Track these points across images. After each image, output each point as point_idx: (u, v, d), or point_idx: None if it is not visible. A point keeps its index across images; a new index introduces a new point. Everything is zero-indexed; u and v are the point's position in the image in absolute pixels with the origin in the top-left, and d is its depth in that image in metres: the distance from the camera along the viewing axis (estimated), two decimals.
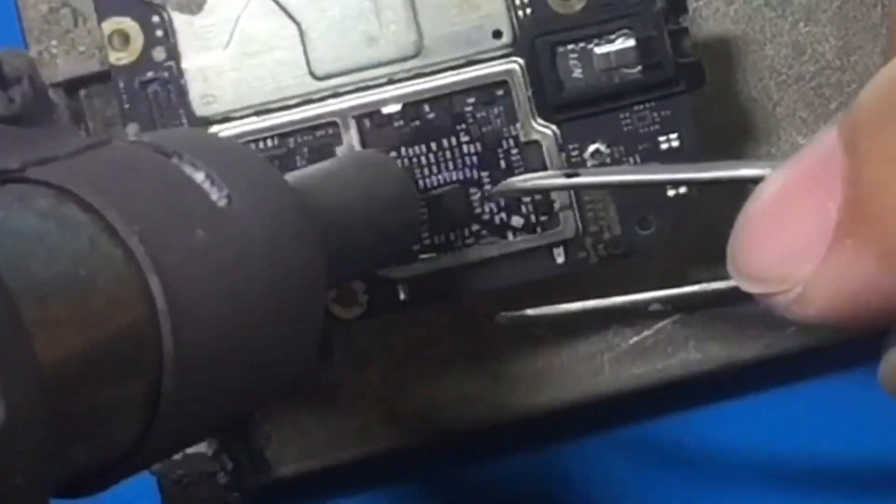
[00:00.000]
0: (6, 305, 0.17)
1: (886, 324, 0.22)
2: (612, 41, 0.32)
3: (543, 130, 0.32)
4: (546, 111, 0.32)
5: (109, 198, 0.20)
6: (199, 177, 0.22)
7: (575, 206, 0.32)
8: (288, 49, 0.32)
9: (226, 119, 0.32)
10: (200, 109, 0.32)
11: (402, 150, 0.32)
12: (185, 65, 0.32)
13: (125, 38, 0.32)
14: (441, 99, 0.32)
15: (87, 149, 0.22)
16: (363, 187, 0.28)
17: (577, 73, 0.32)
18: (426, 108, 0.32)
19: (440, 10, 0.32)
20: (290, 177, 0.27)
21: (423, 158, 0.32)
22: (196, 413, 0.21)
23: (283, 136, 0.32)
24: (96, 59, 0.34)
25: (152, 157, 0.22)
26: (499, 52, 0.32)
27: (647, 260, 0.33)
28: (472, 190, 0.32)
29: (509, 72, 0.32)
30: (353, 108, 0.32)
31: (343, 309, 0.32)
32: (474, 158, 0.32)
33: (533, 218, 0.32)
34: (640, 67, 0.32)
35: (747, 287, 0.22)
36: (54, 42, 0.34)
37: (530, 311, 0.28)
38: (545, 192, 0.32)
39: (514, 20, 0.32)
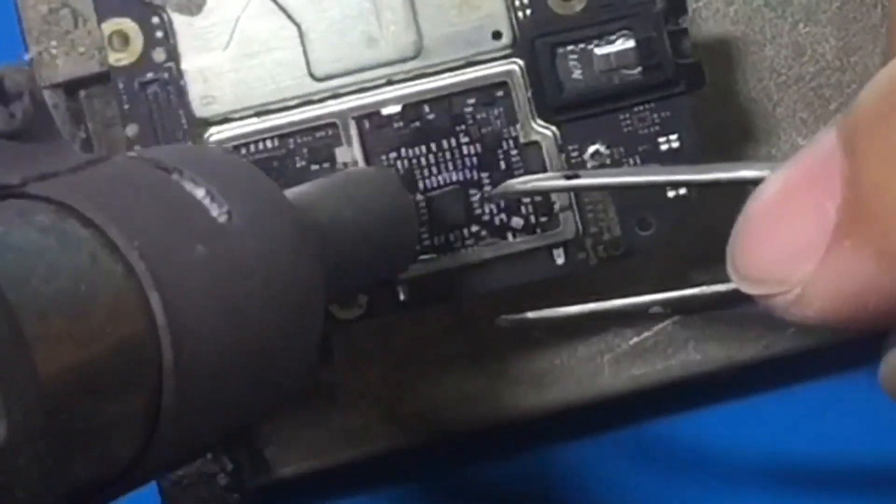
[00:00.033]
0: (8, 320, 0.17)
1: (886, 324, 0.22)
2: (612, 42, 0.32)
3: (543, 131, 0.32)
4: (546, 112, 0.32)
5: (110, 213, 0.20)
6: (200, 193, 0.22)
7: (575, 207, 0.32)
8: (287, 50, 0.32)
9: (225, 120, 0.32)
10: (200, 110, 0.32)
11: (402, 151, 0.32)
12: (184, 66, 0.32)
13: (125, 39, 0.32)
14: (441, 100, 0.32)
15: (87, 164, 0.22)
16: (362, 203, 0.28)
17: (577, 74, 0.32)
18: (426, 109, 0.32)
19: (440, 11, 0.32)
20: (290, 192, 0.27)
21: (422, 159, 0.32)
22: (196, 427, 0.21)
23: (282, 137, 0.32)
24: (96, 60, 0.34)
25: (153, 172, 0.22)
26: (498, 53, 0.32)
27: (646, 261, 0.33)
28: (472, 191, 0.32)
29: (509, 73, 0.32)
30: (352, 110, 0.32)
31: (343, 309, 0.32)
32: (474, 159, 0.32)
33: (533, 219, 0.32)
34: (639, 68, 0.32)
35: (746, 288, 0.22)
36: (54, 43, 0.34)
37: (531, 314, 0.28)
38: (545, 193, 0.32)
39: (514, 21, 0.32)
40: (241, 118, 0.32)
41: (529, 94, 0.32)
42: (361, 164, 0.32)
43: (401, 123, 0.32)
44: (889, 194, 0.20)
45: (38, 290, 0.19)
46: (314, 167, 0.32)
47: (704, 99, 0.33)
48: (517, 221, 0.32)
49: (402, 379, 0.36)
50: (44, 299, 0.19)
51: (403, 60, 0.32)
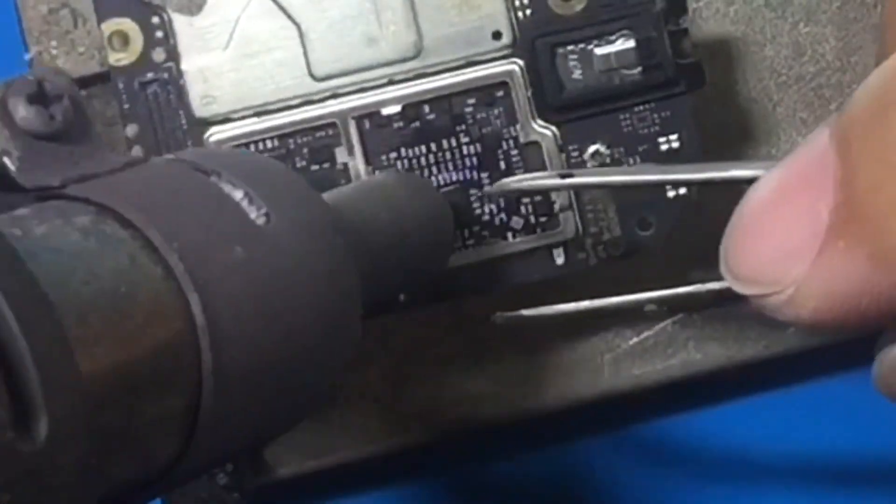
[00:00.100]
0: (49, 321, 0.18)
1: (878, 325, 0.22)
2: (612, 42, 0.32)
3: (543, 131, 0.32)
4: (546, 112, 0.32)
5: (149, 215, 0.20)
6: (238, 195, 0.22)
7: (575, 207, 0.32)
8: (288, 50, 0.32)
9: (225, 120, 0.32)
10: (200, 110, 0.32)
11: (402, 151, 0.32)
12: (184, 66, 0.32)
13: (125, 39, 0.32)
14: (441, 100, 0.32)
15: (126, 166, 0.22)
16: (400, 208, 0.28)
17: (577, 74, 0.32)
18: (426, 109, 0.32)
19: (440, 11, 0.32)
20: (327, 195, 0.27)
21: (422, 159, 0.32)
22: (234, 429, 0.21)
23: (282, 137, 0.32)
24: (96, 60, 0.34)
25: (191, 175, 0.23)
26: (499, 53, 0.32)
27: (646, 261, 0.33)
28: (472, 191, 0.32)
29: (509, 73, 0.32)
30: (352, 109, 0.32)
31: None
32: (474, 159, 0.32)
33: (533, 219, 0.32)
34: (640, 68, 0.32)
35: (739, 288, 0.22)
36: (54, 43, 0.34)
37: (526, 312, 0.28)
38: (540, 192, 0.32)
39: (514, 21, 0.32)
40: (241, 118, 0.32)
41: (529, 94, 0.32)
42: (362, 164, 0.32)
43: (401, 123, 0.32)
44: (882, 195, 0.20)
45: (79, 291, 0.19)
46: (314, 167, 0.32)
47: (704, 99, 0.33)
48: (517, 221, 0.32)
49: (402, 379, 0.36)
50: (84, 300, 0.19)
51: (403, 60, 0.32)
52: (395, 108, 0.32)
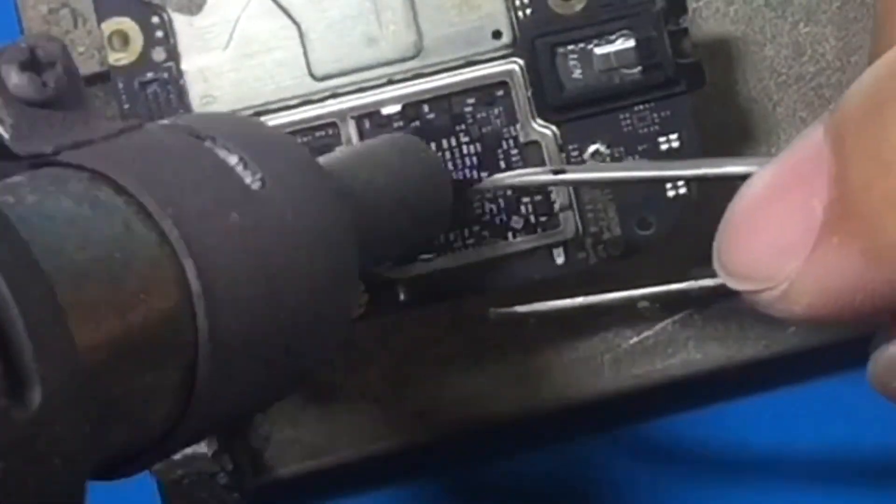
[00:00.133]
0: (43, 289, 0.17)
1: (871, 321, 0.22)
2: (612, 42, 0.32)
3: (543, 131, 0.32)
4: (546, 112, 0.32)
5: (144, 181, 0.20)
6: (233, 160, 0.22)
7: (575, 206, 0.32)
8: (287, 50, 0.32)
9: None
10: (200, 110, 0.32)
11: None
12: (184, 65, 0.32)
13: (125, 39, 0.32)
14: (441, 99, 0.32)
15: (120, 133, 0.22)
16: (396, 170, 0.28)
17: (577, 73, 0.32)
18: (426, 108, 0.32)
19: (440, 11, 0.32)
20: (323, 159, 0.27)
21: None
22: (231, 395, 0.21)
23: None
24: (96, 60, 0.34)
25: (186, 140, 0.22)
26: (499, 53, 0.32)
27: (646, 261, 0.33)
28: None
29: (509, 72, 0.32)
30: (352, 109, 0.32)
31: None
32: (474, 159, 0.32)
33: (533, 218, 0.32)
34: (640, 68, 0.32)
35: (733, 284, 0.22)
36: None
37: (520, 308, 0.28)
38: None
39: (514, 21, 0.32)
40: None
41: (529, 93, 0.32)
42: None
43: (401, 123, 0.32)
44: (876, 192, 0.20)
45: (73, 258, 0.19)
46: None
47: (705, 98, 0.33)
48: (517, 221, 0.32)
49: (402, 379, 0.36)
50: (78, 267, 0.19)
51: (403, 60, 0.32)
52: (394, 108, 0.32)
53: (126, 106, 0.32)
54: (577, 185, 0.32)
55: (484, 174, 0.32)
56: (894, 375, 0.22)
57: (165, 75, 0.32)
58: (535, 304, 0.27)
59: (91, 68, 0.34)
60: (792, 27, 0.36)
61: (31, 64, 0.22)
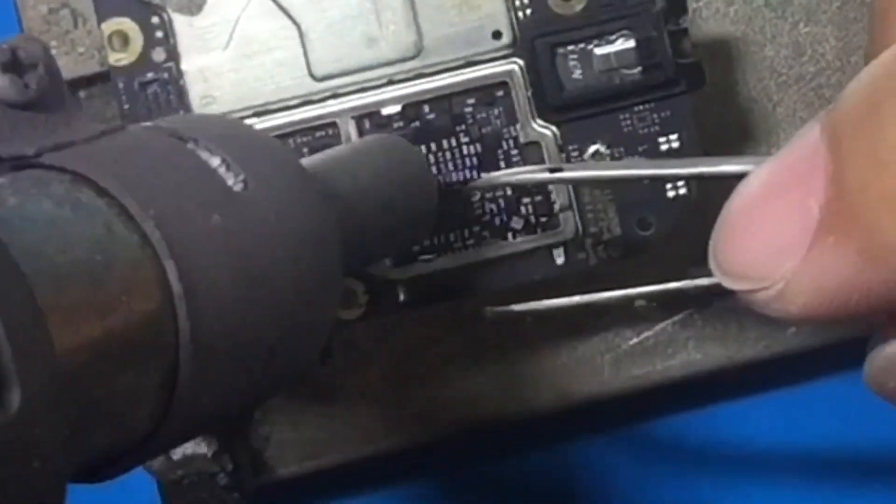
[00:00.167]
0: (23, 291, 0.17)
1: (868, 321, 0.22)
2: (612, 42, 0.32)
3: (543, 131, 0.32)
4: (546, 112, 0.32)
5: (125, 183, 0.20)
6: (215, 162, 0.22)
7: (575, 206, 0.32)
8: (287, 50, 0.32)
9: None
10: (200, 110, 0.32)
11: None
12: (184, 66, 0.32)
13: (125, 39, 0.32)
14: (441, 100, 0.32)
15: (102, 134, 0.22)
16: (380, 171, 0.28)
17: (577, 73, 0.32)
18: (426, 108, 0.32)
19: (440, 11, 0.32)
20: (307, 161, 0.27)
21: None
22: (213, 397, 0.21)
23: (282, 136, 0.32)
24: (96, 60, 0.34)
25: (168, 142, 0.22)
26: (499, 53, 0.32)
27: (646, 261, 0.33)
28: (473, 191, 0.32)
29: (509, 72, 0.32)
30: (352, 109, 0.32)
31: (343, 309, 0.32)
32: (474, 159, 0.32)
33: (533, 219, 0.32)
34: (640, 68, 0.32)
35: (729, 283, 0.22)
36: (54, 43, 0.34)
37: (516, 306, 0.28)
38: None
39: (514, 21, 0.32)
40: (242, 118, 0.32)
41: (529, 93, 0.32)
42: None
43: (401, 123, 0.32)
44: (873, 192, 0.20)
45: (54, 260, 0.19)
46: None
47: (705, 98, 0.33)
48: (517, 221, 0.32)
49: (402, 379, 0.36)
50: (59, 269, 0.19)
51: (403, 60, 0.32)
52: (394, 108, 0.32)
53: (126, 106, 0.32)
54: (573, 184, 0.32)
55: (484, 174, 0.32)
56: (890, 375, 0.22)
57: (165, 75, 0.32)
58: (532, 302, 0.27)
59: (91, 68, 0.34)
60: (792, 27, 0.36)
61: (13, 65, 0.22)
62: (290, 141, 0.32)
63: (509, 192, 0.32)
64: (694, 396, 0.38)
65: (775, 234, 0.21)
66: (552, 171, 0.28)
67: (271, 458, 0.36)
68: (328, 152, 0.29)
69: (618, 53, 0.32)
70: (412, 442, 0.37)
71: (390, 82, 0.32)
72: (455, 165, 0.32)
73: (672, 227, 0.32)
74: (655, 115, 0.32)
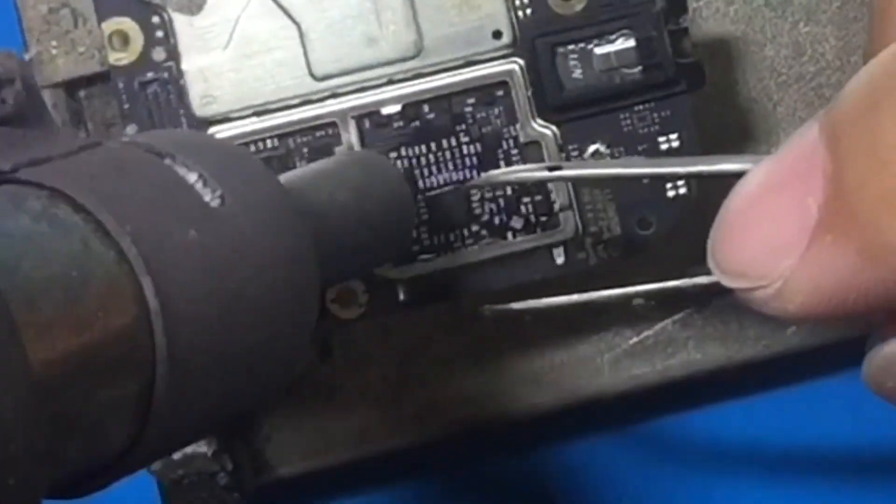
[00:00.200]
0: None
1: (865, 320, 0.22)
2: (612, 41, 0.32)
3: (543, 131, 0.32)
4: (546, 112, 0.32)
5: (102, 199, 0.20)
6: (192, 177, 0.22)
7: (575, 206, 0.32)
8: (287, 50, 0.32)
9: (225, 119, 0.32)
10: (200, 110, 0.32)
11: (402, 150, 0.32)
12: (184, 65, 0.32)
13: (125, 39, 0.32)
14: (441, 99, 0.32)
15: (79, 150, 0.22)
16: (357, 187, 0.28)
17: (578, 73, 0.32)
18: (426, 108, 0.32)
19: (440, 11, 0.32)
20: (284, 177, 0.27)
21: (422, 159, 0.32)
22: (190, 413, 0.21)
23: (282, 136, 0.32)
24: (96, 60, 0.34)
25: (145, 157, 0.22)
26: (499, 53, 0.32)
27: (646, 261, 0.33)
28: (473, 191, 0.32)
29: (509, 72, 0.32)
30: (352, 109, 0.32)
31: (343, 309, 0.32)
32: (474, 159, 0.32)
33: (533, 218, 0.32)
34: (640, 68, 0.32)
35: (727, 282, 0.22)
36: (54, 42, 0.34)
37: (514, 305, 0.28)
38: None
39: (514, 20, 0.32)
40: (241, 118, 0.32)
41: (529, 93, 0.32)
42: None
43: (401, 123, 0.32)
44: (871, 190, 0.20)
45: (29, 276, 0.19)
46: None
47: (705, 98, 0.33)
48: (517, 221, 0.32)
49: (402, 379, 0.36)
50: (35, 285, 0.19)
51: (403, 60, 0.32)
52: (394, 108, 0.32)
53: (126, 106, 0.32)
54: (572, 182, 0.32)
55: (482, 174, 0.32)
56: (888, 375, 0.22)
57: (165, 75, 0.32)
58: (530, 301, 0.27)
59: (91, 68, 0.34)
60: (792, 27, 0.36)
61: None
62: (290, 141, 0.32)
63: (509, 191, 0.32)
64: (694, 396, 0.38)
65: (773, 232, 0.21)
66: (550, 169, 0.28)
67: (271, 458, 0.36)
68: (306, 168, 0.29)
69: (618, 53, 0.32)
70: (412, 442, 0.37)
71: (390, 82, 0.32)
72: (455, 165, 0.32)
73: (672, 226, 0.32)
74: (655, 115, 0.32)
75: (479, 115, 0.32)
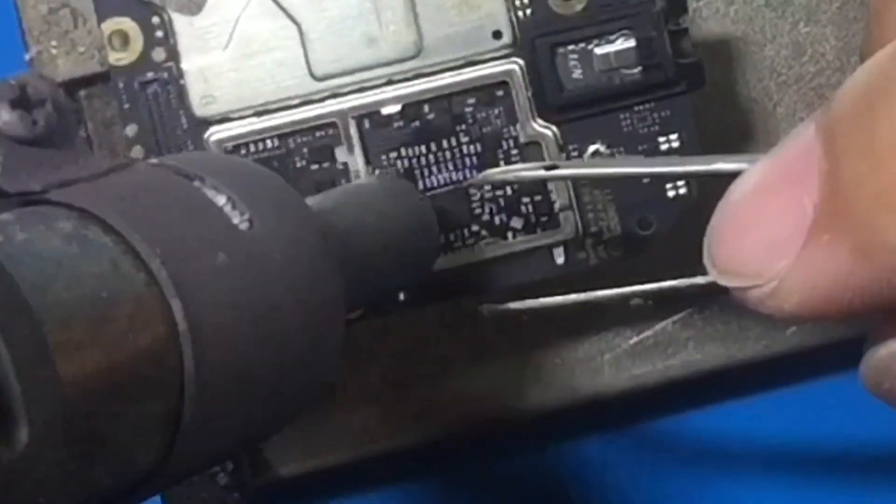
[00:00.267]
0: (30, 327, 0.18)
1: (861, 319, 0.22)
2: (613, 42, 0.32)
3: (543, 131, 0.32)
4: (546, 112, 0.32)
5: (132, 220, 0.20)
6: (221, 200, 0.22)
7: (575, 206, 0.32)
8: (288, 50, 0.32)
9: (225, 120, 0.32)
10: (200, 110, 0.32)
11: (402, 150, 0.32)
12: (184, 65, 0.32)
13: (125, 39, 0.32)
14: (441, 99, 0.32)
15: (109, 171, 0.22)
16: (382, 210, 0.28)
17: (578, 73, 0.32)
18: (426, 108, 0.32)
19: (440, 11, 0.32)
20: (312, 200, 0.27)
21: (422, 159, 0.32)
22: (217, 435, 0.21)
23: (282, 136, 0.32)
24: (96, 60, 0.34)
25: (174, 179, 0.23)
26: (499, 53, 0.32)
27: (646, 261, 0.33)
28: (472, 191, 0.32)
29: (509, 72, 0.32)
30: (352, 109, 0.32)
31: None
32: (474, 159, 0.32)
33: (533, 219, 0.32)
34: (640, 68, 0.32)
35: (723, 281, 0.22)
36: (54, 42, 0.34)
37: (512, 304, 0.28)
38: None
39: (514, 21, 0.32)
40: (241, 118, 0.32)
41: (530, 93, 0.32)
42: (361, 163, 0.32)
43: (401, 123, 0.32)
44: (867, 190, 0.20)
45: (60, 296, 0.19)
46: (314, 167, 0.32)
47: (705, 98, 0.33)
48: (517, 221, 0.32)
49: (402, 379, 0.36)
50: (66, 306, 0.19)
51: (403, 60, 0.32)
52: (394, 108, 0.32)
53: (126, 106, 0.32)
54: (569, 180, 0.32)
55: (480, 173, 0.32)
56: (885, 376, 0.22)
57: (165, 75, 0.32)
58: (529, 300, 0.27)
59: (91, 68, 0.34)
60: (792, 27, 0.36)
61: (22, 101, 0.22)
62: (290, 141, 0.32)
63: (509, 191, 0.32)
64: (694, 396, 0.38)
65: (770, 231, 0.21)
66: (547, 168, 0.28)
67: (271, 458, 0.36)
68: (332, 192, 0.29)
69: (618, 53, 0.32)
70: (412, 442, 0.37)
71: (390, 82, 0.32)
72: (455, 165, 0.32)
73: (672, 226, 0.32)
74: (655, 115, 0.32)
75: (479, 116, 0.32)
